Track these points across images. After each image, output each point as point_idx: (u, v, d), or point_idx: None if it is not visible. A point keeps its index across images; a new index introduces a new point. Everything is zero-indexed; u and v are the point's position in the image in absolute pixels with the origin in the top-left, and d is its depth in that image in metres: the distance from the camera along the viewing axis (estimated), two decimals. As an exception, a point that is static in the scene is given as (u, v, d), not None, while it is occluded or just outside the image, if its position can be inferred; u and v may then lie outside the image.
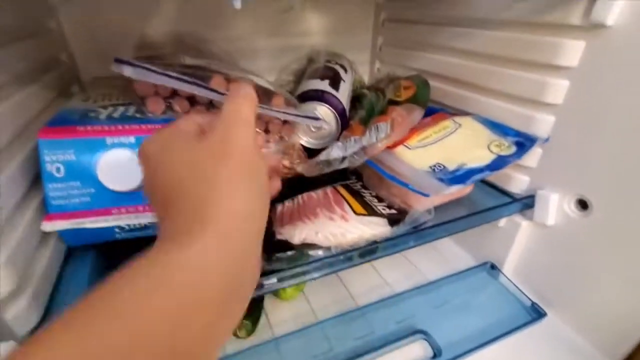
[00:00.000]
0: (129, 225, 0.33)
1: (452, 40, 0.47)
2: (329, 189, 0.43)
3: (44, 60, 0.41)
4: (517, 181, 0.43)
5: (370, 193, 0.44)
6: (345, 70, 0.52)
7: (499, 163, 0.37)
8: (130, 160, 0.31)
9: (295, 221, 0.38)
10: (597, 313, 0.39)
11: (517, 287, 0.46)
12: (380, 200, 0.42)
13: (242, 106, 0.21)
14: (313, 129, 0.46)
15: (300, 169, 0.43)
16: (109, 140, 0.31)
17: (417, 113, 0.41)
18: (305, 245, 0.36)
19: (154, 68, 0.29)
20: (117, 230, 0.33)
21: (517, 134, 0.41)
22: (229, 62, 0.52)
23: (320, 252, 0.35)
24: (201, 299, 0.15)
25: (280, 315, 0.43)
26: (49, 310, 0.30)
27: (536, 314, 0.43)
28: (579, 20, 0.33)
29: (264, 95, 0.40)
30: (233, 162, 0.18)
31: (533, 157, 0.41)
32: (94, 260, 0.36)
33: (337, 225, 0.37)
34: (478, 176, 0.36)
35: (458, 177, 0.36)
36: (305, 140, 0.46)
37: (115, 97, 0.39)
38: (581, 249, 0.39)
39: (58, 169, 0.30)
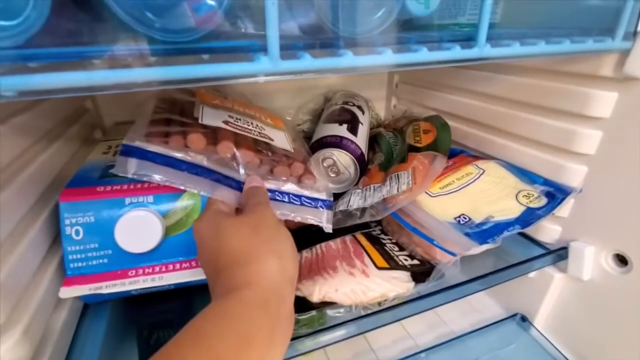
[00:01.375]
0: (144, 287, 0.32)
1: (473, 83, 0.46)
2: (348, 239, 0.42)
3: (71, 112, 0.42)
4: (547, 230, 0.41)
5: (390, 239, 0.42)
6: (363, 112, 0.52)
7: (529, 217, 0.35)
8: (147, 221, 0.30)
9: (315, 275, 0.36)
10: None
11: (550, 342, 0.43)
12: (400, 248, 0.40)
13: (259, 190, 0.31)
14: (331, 174, 0.45)
15: (318, 217, 0.42)
16: (128, 200, 0.31)
17: (439, 161, 0.40)
18: (324, 303, 0.34)
19: (158, 152, 0.29)
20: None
21: (546, 182, 0.39)
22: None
23: (340, 311, 0.34)
24: (254, 327, 0.20)
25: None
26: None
27: (573, 374, 0.39)
28: (611, 72, 0.32)
29: (282, 161, 0.37)
30: (264, 234, 0.25)
31: (565, 207, 0.39)
32: (110, 314, 0.36)
33: (358, 282, 0.35)
34: (508, 232, 0.34)
35: (486, 232, 0.34)
36: (323, 185, 0.45)
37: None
38: (620, 307, 0.36)
39: (77, 232, 0.30)
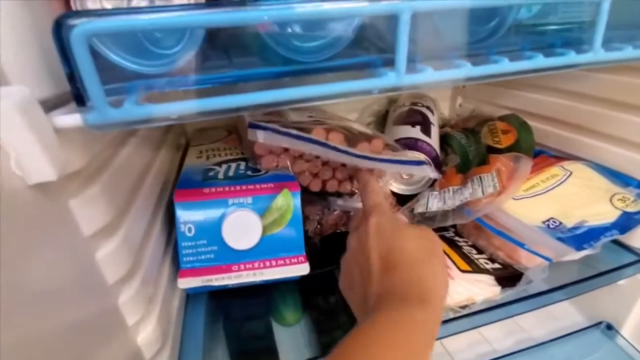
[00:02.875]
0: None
1: (560, 81, 0.44)
2: (425, 239, 0.42)
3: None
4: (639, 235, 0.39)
5: (466, 242, 0.42)
6: (432, 112, 0.52)
7: (627, 222, 0.34)
8: (249, 220, 0.33)
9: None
10: None
11: (638, 350, 0.41)
12: (479, 251, 0.40)
13: None
14: (405, 176, 0.45)
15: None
16: (231, 200, 0.34)
17: (524, 163, 0.39)
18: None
19: (280, 129, 0.32)
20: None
21: (642, 185, 0.37)
22: (319, 107, 0.54)
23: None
24: (416, 347, 0.19)
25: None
26: (181, 357, 0.32)
27: (670, 388, 0.37)
28: None
29: (363, 139, 0.40)
30: (439, 256, 0.24)
31: (664, 211, 0.36)
32: (208, 303, 0.39)
33: (443, 284, 0.36)
34: (606, 238, 0.33)
35: (581, 237, 0.33)
36: (396, 186, 0.46)
37: (223, 152, 0.43)
38: None
39: (190, 229, 0.33)
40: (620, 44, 0.25)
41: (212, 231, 0.33)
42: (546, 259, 0.33)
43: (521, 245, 0.34)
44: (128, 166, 0.26)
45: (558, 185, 0.39)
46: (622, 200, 0.36)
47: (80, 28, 0.15)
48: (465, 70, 0.22)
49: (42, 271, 0.17)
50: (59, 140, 0.17)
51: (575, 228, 0.34)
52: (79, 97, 0.17)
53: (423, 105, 0.52)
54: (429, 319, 0.21)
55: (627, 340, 0.42)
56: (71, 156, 0.18)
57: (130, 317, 0.24)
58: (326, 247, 0.44)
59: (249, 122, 0.33)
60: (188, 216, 0.33)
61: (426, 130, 0.47)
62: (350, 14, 0.19)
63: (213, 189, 0.34)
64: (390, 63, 0.20)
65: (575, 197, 0.37)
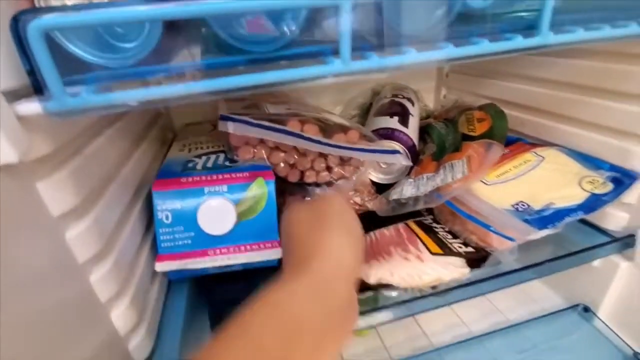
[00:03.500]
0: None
1: (532, 69, 0.45)
2: (400, 226, 0.43)
3: (152, 116, 0.48)
4: (613, 218, 0.39)
5: (443, 228, 0.43)
6: (413, 104, 0.52)
7: (593, 203, 0.34)
8: (224, 208, 0.35)
9: (370, 259, 0.38)
10: None
11: (616, 333, 0.41)
12: (454, 236, 0.41)
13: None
14: (383, 165, 0.47)
15: (371, 206, 0.44)
16: (207, 189, 0.35)
17: (495, 149, 0.40)
18: (380, 285, 0.36)
19: (251, 121, 0.33)
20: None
21: (612, 168, 0.37)
22: (299, 100, 0.55)
23: (394, 293, 0.36)
24: (303, 320, 0.20)
25: (353, 350, 0.43)
26: (159, 338, 0.34)
27: (642, 367, 0.38)
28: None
29: (339, 130, 0.42)
30: (328, 223, 0.25)
31: (632, 192, 0.37)
32: (189, 290, 0.41)
33: (413, 266, 0.37)
34: (570, 218, 0.33)
35: (546, 218, 0.34)
36: (375, 176, 0.47)
37: (206, 145, 0.44)
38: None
39: (167, 216, 0.34)
40: (572, 27, 0.26)
41: (188, 218, 0.35)
42: (510, 239, 0.34)
43: (488, 227, 0.35)
44: (102, 155, 0.28)
45: (530, 170, 0.40)
46: (591, 182, 0.36)
47: (34, 23, 0.17)
48: (411, 56, 0.23)
49: (11, 248, 0.18)
50: (21, 126, 0.18)
51: (542, 210, 0.35)
52: (37, 87, 0.18)
53: (404, 97, 0.53)
54: (309, 285, 0.21)
55: (603, 322, 0.43)
56: (37, 142, 0.20)
57: (103, 294, 0.26)
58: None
59: (220, 114, 0.34)
60: (165, 204, 0.34)
61: (404, 121, 0.48)
62: (292, 6, 0.21)
63: (190, 179, 0.36)
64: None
65: (546, 181, 0.38)
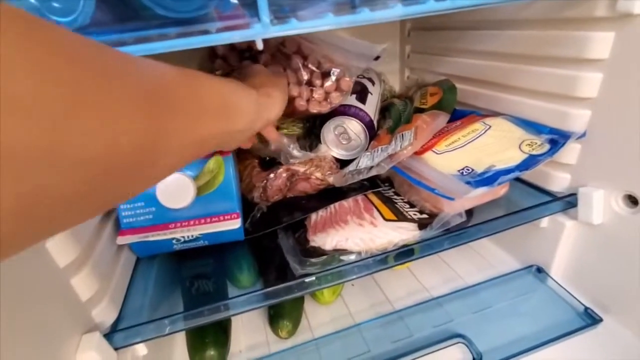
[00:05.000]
0: (183, 237, 0.38)
1: (477, 43, 0.47)
2: (359, 197, 0.45)
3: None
4: (557, 179, 0.41)
5: (402, 199, 0.45)
6: (373, 83, 0.54)
7: (529, 162, 0.36)
8: (182, 183, 0.36)
9: (327, 229, 0.40)
10: (661, 319, 0.36)
11: (567, 291, 0.43)
12: (412, 206, 0.43)
13: None
14: (343, 141, 0.48)
15: (331, 180, 0.46)
16: (165, 165, 0.37)
17: (441, 119, 0.42)
18: (336, 250, 0.38)
19: None
20: (174, 242, 0.39)
21: (552, 131, 0.39)
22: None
23: (351, 257, 0.38)
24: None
25: (320, 319, 0.45)
26: (124, 307, 0.35)
27: (590, 319, 0.40)
28: (605, 12, 0.32)
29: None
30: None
31: (572, 153, 0.39)
32: (157, 267, 0.43)
33: (366, 231, 0.39)
34: (506, 177, 0.35)
35: (485, 179, 0.36)
36: (336, 152, 0.49)
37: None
38: (635, 248, 0.36)
39: (127, 192, 0.36)
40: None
41: (148, 195, 0.36)
42: (449, 198, 0.35)
43: (432, 190, 0.37)
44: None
45: (477, 138, 0.42)
46: (529, 145, 0.38)
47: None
48: (327, 19, 0.25)
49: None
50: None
51: (484, 172, 0.37)
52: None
53: (364, 77, 0.55)
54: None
55: (555, 281, 0.45)
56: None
57: (61, 259, 0.27)
58: (273, 211, 0.47)
59: None
60: (125, 180, 0.36)
61: (362, 98, 0.50)
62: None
63: (150, 156, 0.38)
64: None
65: (490, 147, 0.40)
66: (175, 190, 0.37)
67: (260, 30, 0.24)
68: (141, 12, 0.24)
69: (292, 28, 0.24)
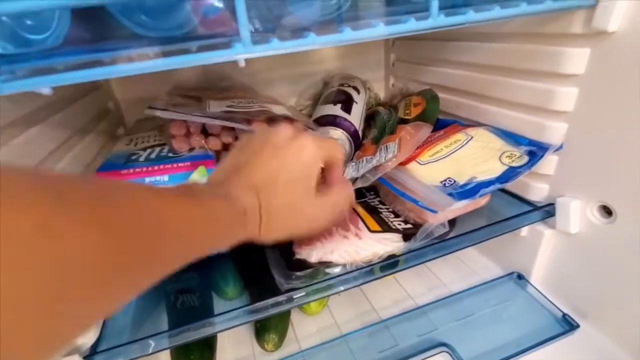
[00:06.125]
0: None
1: (459, 54, 0.48)
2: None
3: (97, 112, 0.49)
4: (536, 189, 0.43)
5: (387, 209, 0.45)
6: (358, 92, 0.55)
7: (509, 174, 0.37)
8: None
9: (313, 241, 0.40)
10: (635, 323, 0.37)
11: (546, 297, 0.45)
12: (396, 215, 0.44)
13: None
14: (328, 151, 0.49)
15: (317, 190, 0.46)
16: (147, 179, 0.36)
17: (424, 130, 0.42)
18: (321, 263, 0.38)
19: (177, 110, 0.35)
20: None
21: (530, 142, 0.41)
22: (249, 91, 0.57)
23: (336, 270, 0.38)
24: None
25: (306, 330, 0.45)
26: (105, 327, 0.35)
27: (568, 325, 0.41)
28: (581, 29, 0.33)
29: (285, 122, 0.43)
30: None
31: (550, 164, 0.40)
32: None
33: (351, 243, 0.39)
34: (487, 189, 0.36)
35: (467, 191, 0.37)
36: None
37: (153, 138, 0.45)
38: (609, 256, 0.38)
39: (108, 207, 0.35)
40: (464, 9, 0.28)
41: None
42: (432, 211, 0.36)
43: (416, 202, 0.38)
44: (30, 146, 0.29)
45: (459, 148, 0.42)
46: (509, 157, 0.39)
47: None
48: (310, 39, 0.25)
49: None
50: None
51: (465, 184, 0.38)
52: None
53: (350, 86, 0.56)
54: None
55: (535, 288, 0.46)
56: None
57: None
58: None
59: (149, 105, 0.35)
60: (106, 195, 0.35)
61: (347, 108, 0.50)
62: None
63: (132, 170, 0.37)
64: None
65: (472, 158, 0.41)
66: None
67: (242, 50, 0.23)
68: (119, 30, 0.24)
69: (274, 48, 0.24)
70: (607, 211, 0.37)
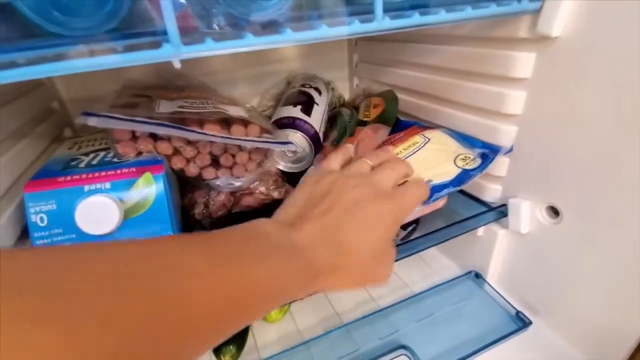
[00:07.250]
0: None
1: (418, 56, 0.48)
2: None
3: (37, 112, 0.45)
4: (490, 190, 0.43)
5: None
6: (320, 93, 0.54)
7: (462, 178, 0.37)
8: (104, 206, 0.33)
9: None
10: (582, 319, 0.39)
11: (501, 295, 0.46)
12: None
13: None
14: (289, 154, 0.47)
15: (276, 194, 0.44)
16: (87, 187, 0.34)
17: (382, 132, 0.42)
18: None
19: (116, 116, 0.33)
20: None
21: (484, 145, 0.41)
22: (208, 91, 0.55)
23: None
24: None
25: (267, 337, 0.44)
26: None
27: (521, 322, 0.42)
28: (527, 33, 0.34)
29: (241, 125, 0.42)
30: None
31: (502, 166, 0.41)
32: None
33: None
34: (440, 193, 0.36)
35: (423, 194, 0.37)
36: (282, 165, 0.48)
37: (99, 142, 0.43)
38: (557, 255, 0.39)
39: (42, 219, 0.33)
40: (410, 12, 0.28)
41: (66, 219, 0.33)
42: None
43: (372, 206, 0.37)
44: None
45: (417, 151, 0.42)
46: (463, 159, 0.40)
47: None
48: (247, 40, 0.23)
49: None
50: None
51: (421, 187, 0.38)
52: None
53: (311, 87, 0.55)
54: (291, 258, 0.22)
55: (491, 286, 0.47)
56: None
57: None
58: (217, 228, 0.45)
59: (83, 111, 0.33)
60: (39, 206, 0.32)
61: (307, 110, 0.49)
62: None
63: (69, 177, 0.34)
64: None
65: (429, 160, 0.41)
66: (98, 214, 0.33)
67: (171, 51, 0.22)
68: (35, 29, 0.21)
69: (207, 49, 0.22)
70: (554, 211, 0.38)
